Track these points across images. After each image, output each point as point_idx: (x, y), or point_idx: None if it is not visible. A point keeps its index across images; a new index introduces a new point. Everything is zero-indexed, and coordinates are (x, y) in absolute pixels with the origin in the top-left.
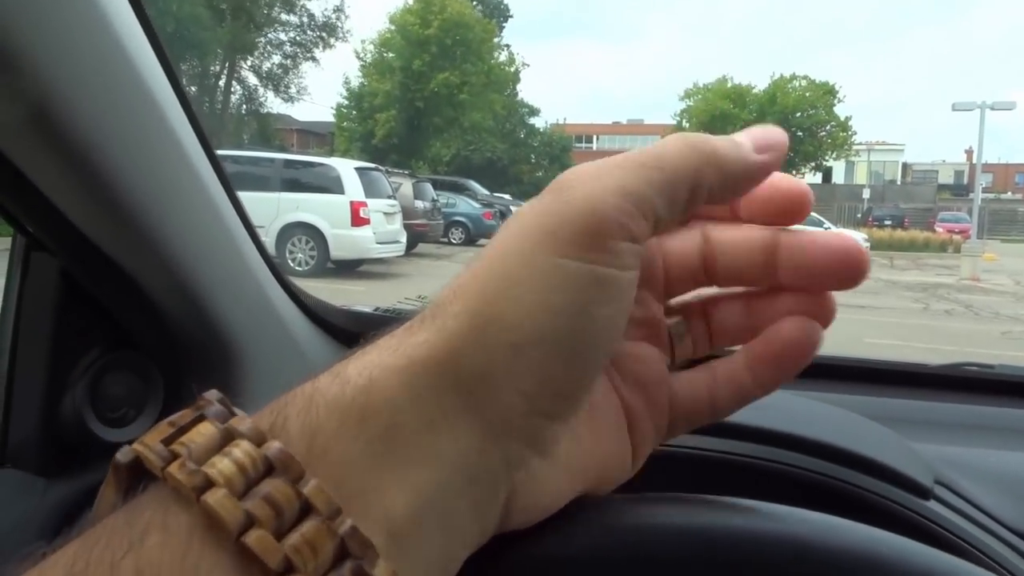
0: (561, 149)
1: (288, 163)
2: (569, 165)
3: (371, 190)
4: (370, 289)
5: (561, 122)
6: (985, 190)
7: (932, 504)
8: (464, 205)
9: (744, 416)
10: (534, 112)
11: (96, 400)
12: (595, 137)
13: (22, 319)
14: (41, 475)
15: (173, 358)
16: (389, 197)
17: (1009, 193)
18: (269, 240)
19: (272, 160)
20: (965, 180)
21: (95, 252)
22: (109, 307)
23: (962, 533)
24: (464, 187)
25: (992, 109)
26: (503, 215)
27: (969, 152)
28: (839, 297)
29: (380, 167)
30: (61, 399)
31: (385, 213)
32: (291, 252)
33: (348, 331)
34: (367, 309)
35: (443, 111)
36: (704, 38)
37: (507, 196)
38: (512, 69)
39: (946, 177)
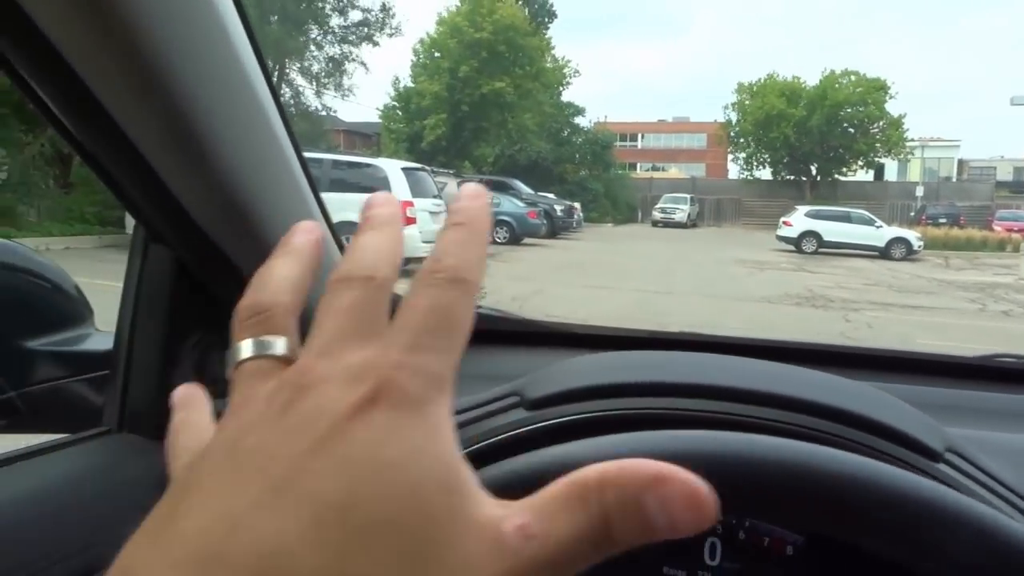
0: (603, 147)
1: (336, 164)
2: (612, 163)
3: (417, 190)
4: None
5: (604, 120)
6: None
7: (941, 466)
8: (508, 204)
9: (765, 383)
10: (579, 111)
11: (202, 374)
12: (640, 135)
13: (140, 301)
14: (155, 439)
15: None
16: (435, 197)
17: None
18: None
19: (320, 161)
20: None
21: (206, 244)
22: (215, 293)
23: (969, 493)
24: (509, 186)
25: None
26: (547, 214)
27: None
28: (890, 297)
29: (426, 167)
30: (173, 373)
31: (431, 212)
32: None
33: None
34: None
35: (491, 115)
36: (750, 31)
37: (551, 195)
38: (561, 71)
39: (1004, 174)
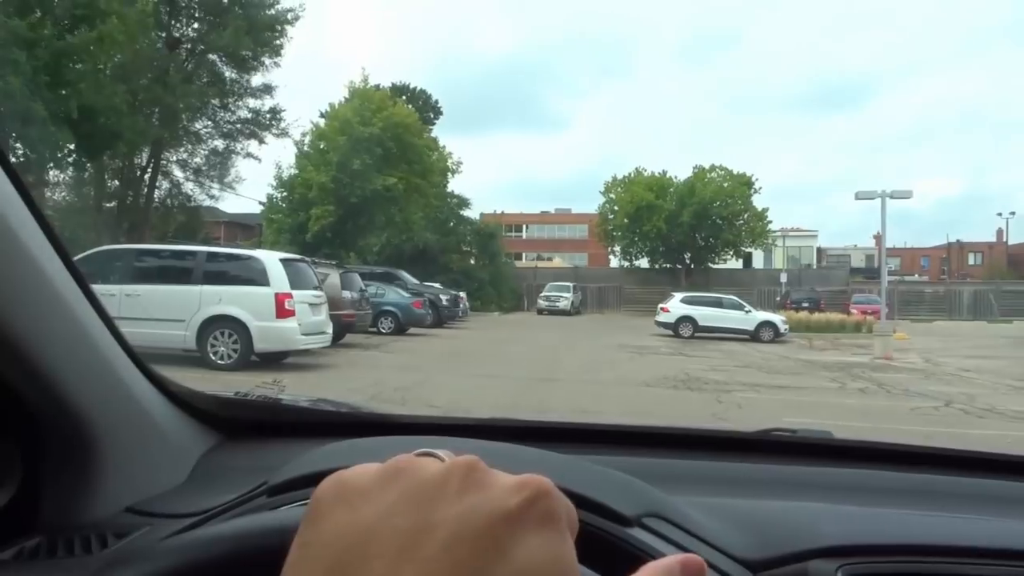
0: (490, 237)
1: (211, 256)
2: (498, 253)
3: (297, 281)
4: (296, 382)
5: (493, 212)
6: (893, 273)
7: (634, 530)
8: (393, 295)
9: None
10: (465, 203)
11: None
12: (525, 226)
13: None
14: None
15: (32, 442)
16: (315, 288)
17: (916, 275)
18: (190, 334)
19: (194, 253)
20: (876, 263)
21: None
22: None
23: (657, 554)
24: (394, 277)
25: (891, 198)
26: (433, 304)
27: (877, 237)
28: (760, 378)
29: (306, 258)
30: None
31: (311, 304)
32: (213, 346)
33: (215, 415)
34: (229, 394)
35: (380, 209)
36: (627, 128)
37: (437, 285)
38: (447, 165)
39: (858, 261)
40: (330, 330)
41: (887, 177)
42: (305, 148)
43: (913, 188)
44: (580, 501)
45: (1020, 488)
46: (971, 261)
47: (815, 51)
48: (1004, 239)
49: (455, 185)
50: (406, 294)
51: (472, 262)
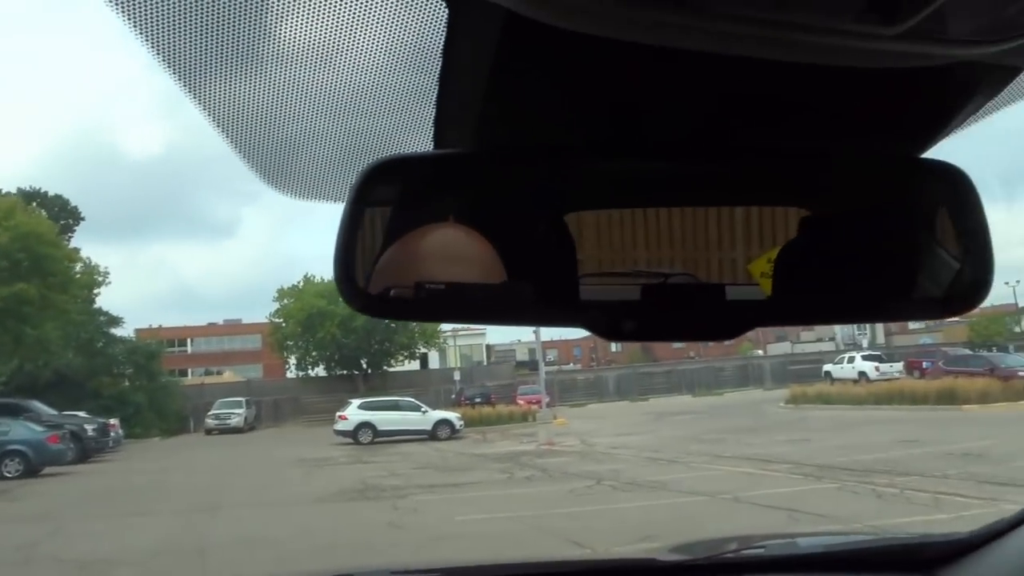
0: (149, 356)
1: None
2: (158, 372)
3: None
4: None
5: (150, 326)
6: (551, 364)
7: None
8: (21, 430)
9: None
10: (116, 321)
11: None
12: (190, 340)
13: None
14: None
15: None
16: None
17: (571, 364)
18: None
19: None
20: (538, 356)
21: None
22: None
23: None
24: (24, 409)
25: None
26: (76, 436)
27: (537, 332)
28: (436, 478)
29: None
30: None
31: None
32: None
33: None
34: None
35: (4, 329)
36: (295, 231)
37: (82, 413)
38: (92, 277)
39: (522, 355)
40: None
41: None
42: None
43: None
44: None
45: None
46: (614, 348)
47: None
48: None
49: (105, 300)
50: (39, 428)
51: (127, 384)
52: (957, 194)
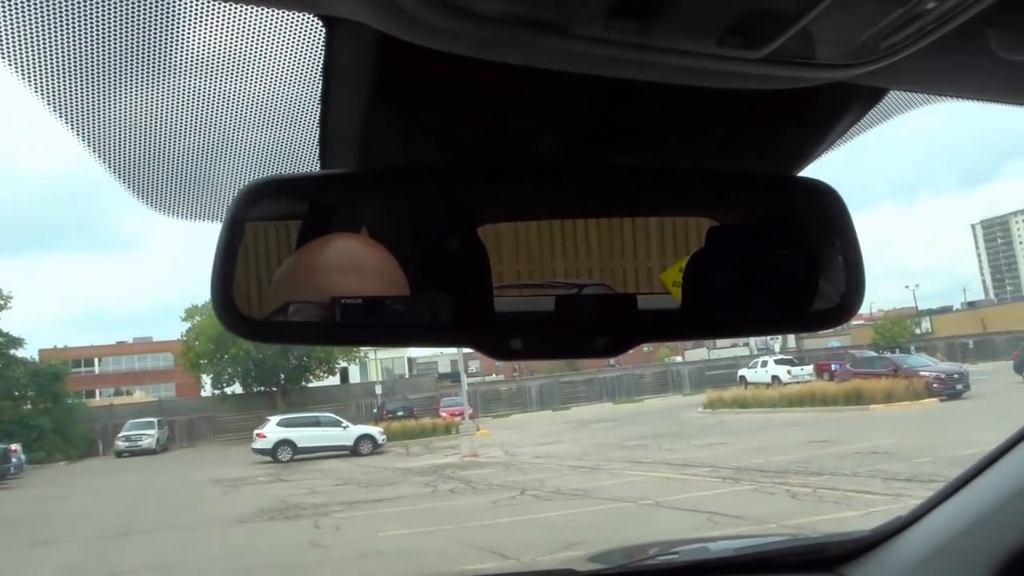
0: (52, 378)
1: None
2: (63, 394)
3: None
4: None
5: (55, 347)
6: (474, 375)
7: None
8: None
9: None
10: (16, 342)
11: None
12: (97, 359)
13: None
14: None
15: None
16: None
17: (493, 375)
18: None
19: None
20: (459, 368)
21: None
22: None
23: None
24: None
25: None
26: None
27: None
28: (358, 494)
29: None
30: None
31: None
32: None
33: None
34: None
35: None
36: (206, 246)
37: None
38: None
39: (444, 367)
40: None
41: None
42: None
43: None
44: None
45: None
46: None
47: None
48: None
49: (6, 321)
50: None
51: (28, 407)
52: (828, 210)
